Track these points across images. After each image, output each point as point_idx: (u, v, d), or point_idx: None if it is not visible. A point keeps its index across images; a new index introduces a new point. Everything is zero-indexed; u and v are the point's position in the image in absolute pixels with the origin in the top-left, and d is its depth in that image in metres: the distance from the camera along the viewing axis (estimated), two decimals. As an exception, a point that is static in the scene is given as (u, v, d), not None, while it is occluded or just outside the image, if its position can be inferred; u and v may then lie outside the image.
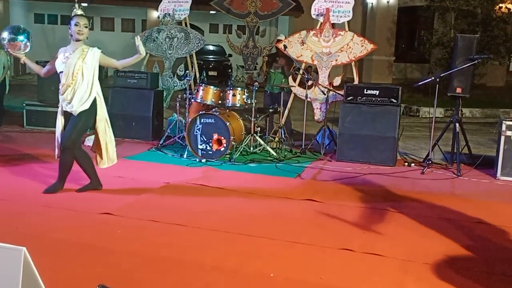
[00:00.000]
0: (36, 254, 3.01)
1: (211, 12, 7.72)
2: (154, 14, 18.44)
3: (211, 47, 18.98)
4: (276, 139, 6.96)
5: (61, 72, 4.47)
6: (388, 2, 17.81)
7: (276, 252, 3.47)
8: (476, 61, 5.98)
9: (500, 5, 14.61)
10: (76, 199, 4.49)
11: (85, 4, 20.15)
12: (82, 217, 4.02)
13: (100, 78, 4.69)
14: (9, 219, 3.92)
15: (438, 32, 15.08)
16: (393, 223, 4.15)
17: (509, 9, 14.92)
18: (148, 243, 3.55)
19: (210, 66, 18.77)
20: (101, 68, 4.86)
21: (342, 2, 7.00)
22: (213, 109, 6.37)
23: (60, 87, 4.49)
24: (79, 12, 4.52)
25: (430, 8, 15.45)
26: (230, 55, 18.23)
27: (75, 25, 4.45)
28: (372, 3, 18.23)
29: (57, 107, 4.65)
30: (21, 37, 4.55)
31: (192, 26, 8.56)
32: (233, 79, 17.43)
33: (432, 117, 6.15)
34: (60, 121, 4.58)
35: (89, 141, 6.80)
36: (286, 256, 3.41)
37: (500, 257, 3.52)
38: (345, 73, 10.35)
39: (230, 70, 19.48)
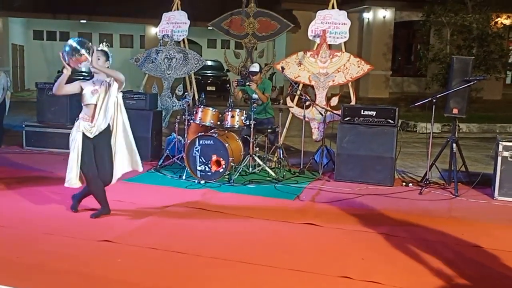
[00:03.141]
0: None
1: (209, 27, 7.82)
2: (152, 30, 18.60)
3: (209, 62, 19.10)
4: (275, 159, 7.00)
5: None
6: (384, 17, 17.97)
7: (277, 281, 3.48)
8: (472, 83, 6.05)
9: (496, 20, 14.74)
10: (76, 225, 4.51)
11: (84, 21, 20.33)
12: (82, 245, 4.04)
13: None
14: (10, 247, 3.94)
15: (435, 48, 15.21)
16: (391, 248, 4.17)
17: (504, 24, 15.07)
18: (148, 273, 3.56)
19: (209, 81, 18.92)
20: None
21: (339, 24, 7.09)
22: (212, 130, 6.42)
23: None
24: (105, 48, 4.64)
25: (426, 23, 15.59)
26: (228, 70, 18.36)
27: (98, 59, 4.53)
28: (368, 18, 18.39)
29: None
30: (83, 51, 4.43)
31: (190, 42, 8.65)
32: (231, 95, 17.51)
33: (430, 136, 6.21)
34: None
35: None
36: (287, 286, 3.42)
37: (499, 285, 3.55)
38: (342, 88, 10.44)
39: (228, 85, 19.60)
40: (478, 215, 5.23)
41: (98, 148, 4.62)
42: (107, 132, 4.65)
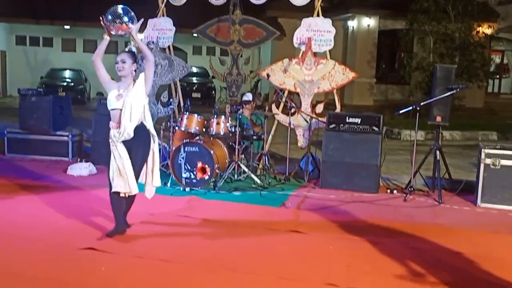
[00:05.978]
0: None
1: (194, 34, 7.82)
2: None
3: (194, 69, 19.09)
4: (260, 165, 7.01)
5: None
6: (368, 25, 18.17)
7: (261, 289, 3.47)
8: (455, 91, 6.13)
9: (477, 29, 14.99)
10: (59, 232, 4.44)
11: (67, 27, 20.17)
12: (64, 253, 3.97)
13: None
14: (-10, 257, 3.87)
15: (418, 56, 15.42)
16: (376, 255, 4.19)
17: (485, 33, 15.33)
18: (132, 282, 3.51)
19: (194, 88, 18.92)
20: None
21: (324, 31, 7.13)
22: (197, 137, 6.40)
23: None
24: (133, 49, 4.45)
25: (410, 32, 15.80)
26: (213, 77, 18.37)
27: (115, 63, 4.37)
28: (353, 26, 18.57)
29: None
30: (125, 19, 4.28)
31: (175, 48, 8.61)
32: (217, 102, 17.51)
33: (414, 144, 6.26)
34: None
35: (72, 170, 6.77)
36: (271, 293, 3.41)
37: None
38: (327, 96, 10.48)
39: (213, 92, 19.62)
40: (461, 222, 5.28)
41: (133, 153, 4.35)
42: (145, 136, 4.40)
